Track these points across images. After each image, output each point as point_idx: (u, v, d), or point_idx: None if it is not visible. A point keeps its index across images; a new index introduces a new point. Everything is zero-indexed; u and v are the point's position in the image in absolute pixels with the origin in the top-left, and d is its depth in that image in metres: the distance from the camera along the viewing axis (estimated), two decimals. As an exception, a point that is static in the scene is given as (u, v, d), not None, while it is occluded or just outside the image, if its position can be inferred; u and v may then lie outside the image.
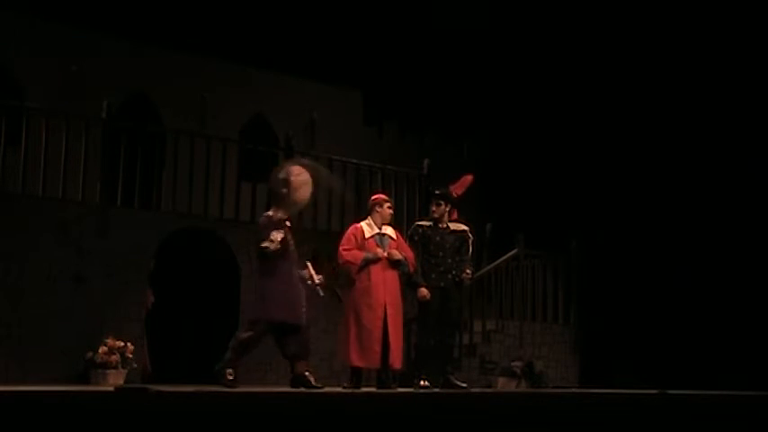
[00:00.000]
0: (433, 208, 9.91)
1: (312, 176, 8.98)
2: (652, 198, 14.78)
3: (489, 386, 11.91)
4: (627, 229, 14.86)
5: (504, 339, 12.75)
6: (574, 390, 12.01)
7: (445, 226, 9.87)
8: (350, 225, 9.90)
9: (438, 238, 9.81)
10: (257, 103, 15.52)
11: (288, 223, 8.90)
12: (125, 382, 9.88)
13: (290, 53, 15.53)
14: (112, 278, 10.51)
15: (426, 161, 13.08)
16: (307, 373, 8.88)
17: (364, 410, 5.96)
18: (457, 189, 10.19)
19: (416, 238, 9.85)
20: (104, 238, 10.59)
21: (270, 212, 9.06)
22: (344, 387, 9.45)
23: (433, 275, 9.71)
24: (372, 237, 9.50)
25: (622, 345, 14.06)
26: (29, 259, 10.14)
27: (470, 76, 16.47)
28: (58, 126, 10.81)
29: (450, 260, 9.79)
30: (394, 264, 9.46)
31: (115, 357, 10.00)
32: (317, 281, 9.02)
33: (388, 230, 9.61)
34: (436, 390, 9.50)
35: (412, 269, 9.59)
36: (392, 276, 9.49)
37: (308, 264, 9.07)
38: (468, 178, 10.38)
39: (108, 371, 9.96)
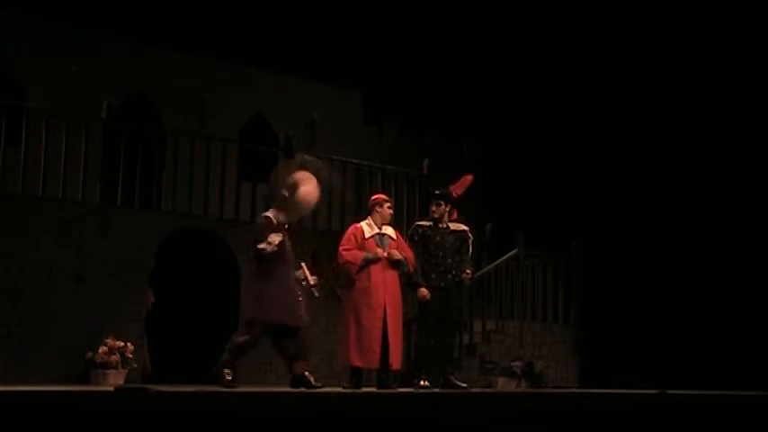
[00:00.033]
0: (433, 208, 9.91)
1: (317, 179, 8.93)
2: (652, 198, 14.78)
3: (489, 386, 11.91)
4: (627, 229, 14.86)
5: (504, 339, 12.75)
6: (574, 390, 12.01)
7: (445, 226, 9.87)
8: (350, 225, 9.90)
9: (438, 238, 9.81)
10: (257, 103, 15.52)
11: (287, 226, 8.91)
12: (125, 382, 9.88)
13: (290, 53, 15.53)
14: (112, 278, 10.51)
15: (426, 161, 13.08)
16: (306, 373, 8.88)
17: (364, 410, 5.96)
18: (457, 189, 10.19)
19: (416, 238, 9.85)
20: (104, 238, 10.59)
21: (269, 214, 9.05)
22: (344, 387, 9.44)
23: (433, 275, 9.71)
24: (372, 237, 9.50)
25: (622, 345, 14.06)
26: (29, 259, 10.14)
27: (470, 75, 16.47)
28: (58, 126, 10.81)
29: (450, 260, 9.79)
30: (394, 264, 9.46)
31: (115, 357, 10.00)
32: (311, 282, 9.03)
33: (388, 230, 9.61)
34: (436, 390, 9.50)
35: (412, 269, 9.59)
36: (392, 276, 9.48)
37: (303, 265, 9.07)
38: (468, 178, 10.37)
39: (108, 371, 9.96)
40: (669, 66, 14.82)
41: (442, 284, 9.73)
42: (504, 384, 11.78)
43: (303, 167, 8.97)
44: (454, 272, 9.77)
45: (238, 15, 15.20)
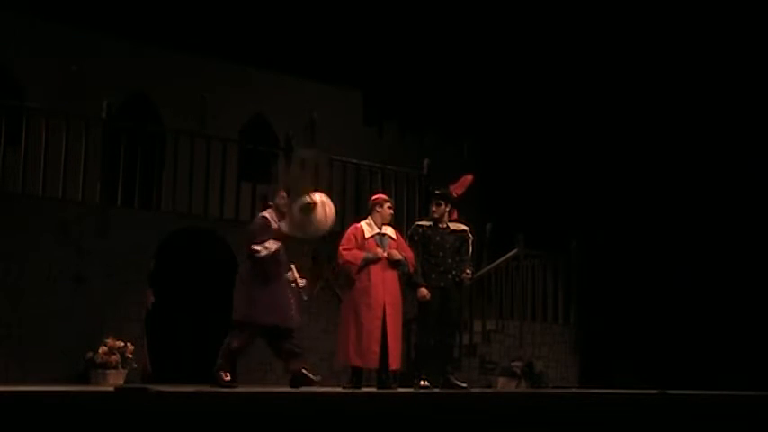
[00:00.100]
0: (433, 208, 9.91)
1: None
2: (652, 198, 14.78)
3: (489, 386, 11.91)
4: (627, 229, 14.85)
5: (504, 339, 12.75)
6: (574, 390, 12.01)
7: (445, 226, 9.87)
8: (350, 225, 9.90)
9: (438, 238, 9.81)
10: (257, 103, 15.51)
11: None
12: (125, 382, 9.88)
13: (290, 53, 15.53)
14: (112, 278, 10.51)
15: (426, 161, 13.07)
16: (304, 370, 8.92)
17: (364, 410, 5.96)
18: (457, 189, 10.19)
19: (416, 238, 9.85)
20: (104, 238, 10.58)
21: (267, 215, 9.05)
22: (344, 387, 9.44)
23: (433, 275, 9.71)
24: (372, 237, 9.50)
25: (622, 345, 14.06)
26: (29, 259, 10.14)
27: (470, 76, 16.47)
28: (58, 126, 10.81)
29: (450, 260, 9.79)
30: (394, 264, 9.47)
31: (115, 357, 10.00)
32: (300, 284, 9.06)
33: (388, 230, 9.62)
34: (436, 390, 9.50)
35: (412, 269, 9.60)
36: (392, 276, 9.49)
37: (293, 267, 9.09)
38: (468, 178, 10.38)
39: (108, 371, 9.96)
40: (669, 66, 14.82)
41: (442, 284, 9.73)
42: (504, 384, 11.78)
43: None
44: (454, 272, 9.77)
45: (238, 15, 15.20)
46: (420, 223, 10.06)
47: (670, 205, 14.61)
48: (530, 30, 16.04)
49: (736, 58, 14.33)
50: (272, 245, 8.80)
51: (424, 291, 9.62)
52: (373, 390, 9.38)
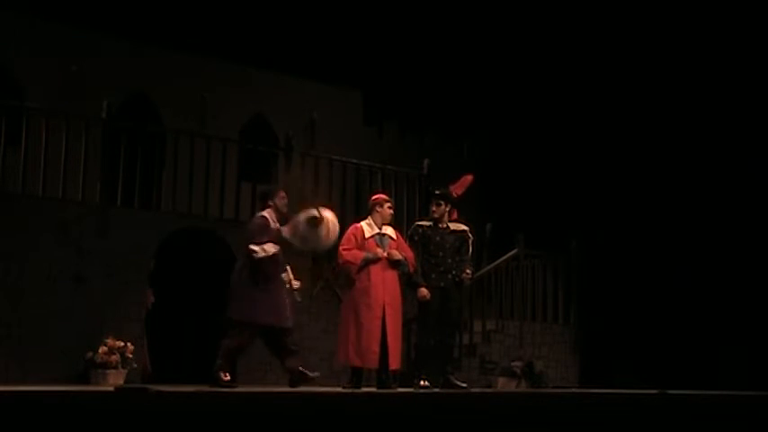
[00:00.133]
0: (433, 208, 9.91)
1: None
2: (652, 198, 14.78)
3: (489, 386, 11.91)
4: (627, 229, 14.86)
5: (504, 339, 12.75)
6: (574, 390, 12.01)
7: (445, 226, 9.87)
8: (350, 225, 9.90)
9: (438, 238, 9.81)
10: (257, 103, 15.51)
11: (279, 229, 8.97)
12: (125, 382, 9.88)
13: (290, 53, 15.53)
14: (112, 278, 10.51)
15: (426, 161, 13.07)
16: (301, 368, 8.93)
17: (364, 410, 5.96)
18: (457, 189, 10.19)
19: (416, 238, 9.85)
20: (104, 238, 10.58)
21: (266, 214, 9.06)
22: (344, 387, 9.44)
23: (433, 275, 9.71)
24: (372, 237, 9.50)
25: (622, 345, 14.07)
26: (29, 259, 10.14)
27: (470, 75, 16.47)
28: (58, 126, 10.81)
29: (450, 260, 9.79)
30: (394, 264, 9.47)
31: (115, 357, 10.00)
32: (294, 286, 9.07)
33: (389, 230, 9.62)
34: (436, 390, 9.50)
35: (412, 269, 9.60)
36: (392, 276, 9.49)
37: (288, 268, 9.10)
38: (468, 178, 10.38)
39: (108, 371, 9.96)
40: (669, 66, 14.82)
41: (442, 284, 9.73)
42: (504, 384, 11.78)
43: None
44: (454, 272, 9.77)
45: (238, 15, 15.20)
46: (420, 223, 10.06)
47: (670, 205, 14.62)
48: (530, 30, 16.04)
49: (736, 58, 14.33)
50: (271, 248, 8.82)
51: (424, 291, 9.62)
52: (373, 390, 9.38)
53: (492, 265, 12.93)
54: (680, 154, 14.58)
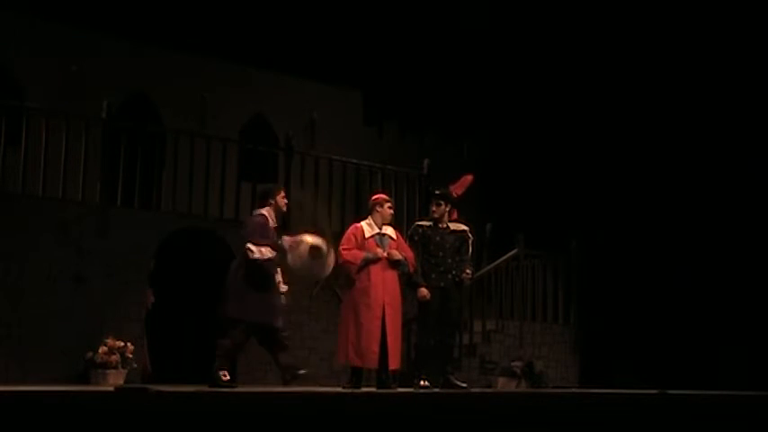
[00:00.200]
0: (433, 208, 9.91)
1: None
2: (652, 198, 14.78)
3: (489, 386, 11.91)
4: (627, 229, 14.85)
5: (504, 339, 12.75)
6: (574, 390, 12.01)
7: (445, 226, 9.87)
8: (350, 225, 9.90)
9: (438, 238, 9.81)
10: (257, 103, 15.51)
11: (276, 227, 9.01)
12: (125, 382, 9.88)
13: (290, 53, 15.53)
14: (112, 278, 10.51)
15: (426, 161, 13.07)
16: (291, 362, 8.96)
17: (364, 410, 5.96)
18: (457, 189, 10.19)
19: (416, 238, 9.85)
20: (104, 238, 10.58)
21: (265, 213, 9.05)
22: (344, 387, 9.44)
23: (433, 275, 9.71)
24: (372, 237, 9.50)
25: (622, 345, 14.06)
26: (29, 259, 10.14)
27: (470, 75, 16.47)
28: (58, 126, 10.81)
29: (450, 260, 9.79)
30: (394, 264, 9.47)
31: (115, 357, 10.00)
32: (282, 289, 9.08)
33: (389, 230, 9.62)
34: (436, 390, 9.50)
35: (412, 269, 9.60)
36: (392, 276, 9.49)
37: (278, 270, 9.11)
38: (468, 178, 10.38)
39: (108, 371, 9.96)
40: (669, 66, 14.82)
41: (442, 284, 9.73)
42: (504, 384, 11.78)
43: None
44: (454, 272, 9.77)
45: (238, 15, 15.20)
46: (420, 223, 10.06)
47: (670, 205, 14.61)
48: (530, 30, 16.04)
49: (736, 58, 14.33)
50: (267, 253, 8.83)
51: (423, 291, 9.62)
52: (373, 390, 9.38)
53: (492, 265, 12.93)
54: (680, 154, 14.58)
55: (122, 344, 10.08)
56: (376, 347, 9.26)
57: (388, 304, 9.34)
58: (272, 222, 9.04)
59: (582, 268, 13.61)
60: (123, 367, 10.04)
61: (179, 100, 14.34)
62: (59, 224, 10.37)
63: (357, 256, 9.38)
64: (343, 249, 9.43)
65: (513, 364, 11.99)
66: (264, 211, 9.09)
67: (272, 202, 9.14)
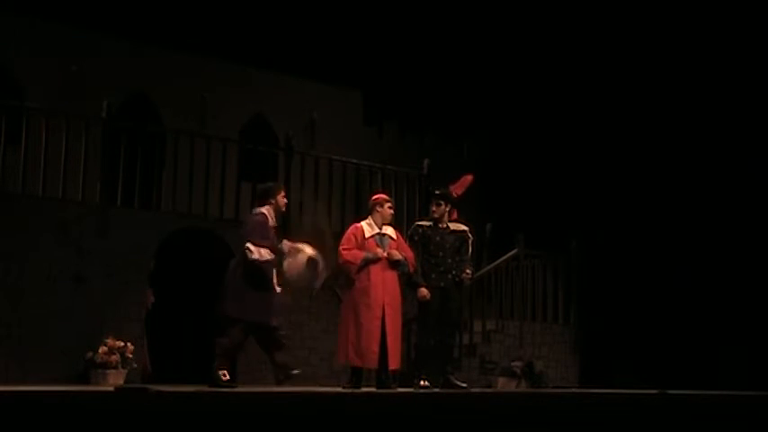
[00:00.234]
0: (433, 208, 9.91)
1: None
2: (651, 198, 14.78)
3: (489, 386, 11.91)
4: (627, 229, 14.86)
5: (504, 339, 12.75)
6: (574, 390, 12.01)
7: (445, 226, 9.87)
8: (350, 225, 9.90)
9: (438, 238, 9.81)
10: (257, 103, 15.51)
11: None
12: (125, 382, 9.88)
13: (290, 53, 15.53)
14: (112, 278, 10.51)
15: (426, 161, 13.07)
16: (286, 361, 8.97)
17: (364, 410, 5.96)
18: (457, 189, 10.20)
19: (416, 238, 9.84)
20: (104, 238, 10.58)
21: (265, 212, 9.06)
22: (344, 387, 9.44)
23: (433, 275, 9.71)
24: (372, 237, 9.50)
25: (622, 345, 14.07)
26: (29, 259, 10.14)
27: (470, 75, 16.47)
28: (58, 126, 10.81)
29: (450, 260, 9.79)
30: (394, 264, 9.47)
31: (115, 357, 10.00)
32: (276, 290, 9.09)
33: (389, 230, 9.62)
34: (436, 390, 9.50)
35: (412, 269, 9.60)
36: (391, 276, 9.49)
37: (273, 271, 9.11)
38: (468, 178, 10.38)
39: (108, 371, 9.96)
40: (669, 66, 14.82)
41: (442, 284, 9.73)
42: (504, 384, 11.78)
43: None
44: (454, 272, 9.77)
45: (238, 15, 15.20)
46: (420, 223, 10.06)
47: (670, 206, 14.62)
48: (529, 30, 16.04)
49: (736, 58, 14.33)
50: (266, 255, 8.83)
51: (424, 291, 9.62)
52: (373, 390, 9.38)
53: (492, 265, 12.93)
54: (680, 154, 14.59)
55: (122, 344, 10.08)
56: (376, 347, 9.26)
57: (388, 304, 9.34)
58: (271, 221, 9.04)
59: (582, 268, 13.61)
60: (123, 367, 10.04)
61: (179, 100, 14.34)
62: (59, 224, 10.37)
63: (357, 256, 9.38)
64: (344, 249, 9.43)
65: (513, 364, 11.99)
66: (264, 210, 9.09)
67: (272, 201, 9.14)
